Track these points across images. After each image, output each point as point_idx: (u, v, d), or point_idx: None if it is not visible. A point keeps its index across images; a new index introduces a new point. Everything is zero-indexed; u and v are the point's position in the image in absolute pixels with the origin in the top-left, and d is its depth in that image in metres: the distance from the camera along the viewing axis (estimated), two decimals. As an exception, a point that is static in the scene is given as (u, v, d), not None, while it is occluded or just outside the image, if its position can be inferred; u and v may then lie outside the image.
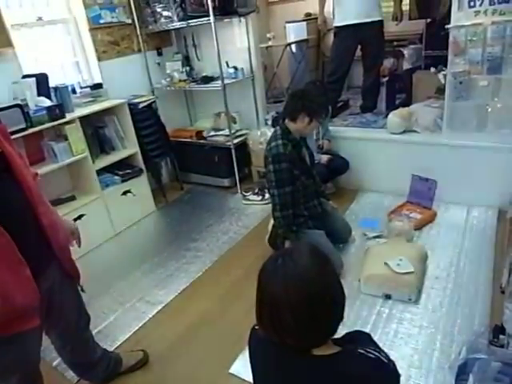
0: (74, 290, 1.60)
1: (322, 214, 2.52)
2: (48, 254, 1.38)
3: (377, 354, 0.93)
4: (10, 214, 1.18)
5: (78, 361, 1.78)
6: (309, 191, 2.44)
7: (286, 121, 2.33)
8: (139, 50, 3.71)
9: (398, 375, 0.98)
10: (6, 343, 1.27)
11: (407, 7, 4.45)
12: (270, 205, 2.46)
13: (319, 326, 0.91)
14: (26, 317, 1.27)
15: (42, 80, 2.79)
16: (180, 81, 3.79)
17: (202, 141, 3.85)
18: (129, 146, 3.40)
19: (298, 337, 0.92)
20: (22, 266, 1.22)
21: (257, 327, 1.06)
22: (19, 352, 1.33)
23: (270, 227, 2.66)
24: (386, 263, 2.20)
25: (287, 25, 5.43)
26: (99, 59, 3.37)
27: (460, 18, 2.57)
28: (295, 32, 5.38)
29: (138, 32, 3.63)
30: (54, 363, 2.03)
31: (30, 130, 2.58)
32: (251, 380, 1.12)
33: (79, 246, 1.63)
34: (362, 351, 0.93)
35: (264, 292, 0.94)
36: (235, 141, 3.66)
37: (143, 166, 3.47)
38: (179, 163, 4.00)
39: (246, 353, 1.13)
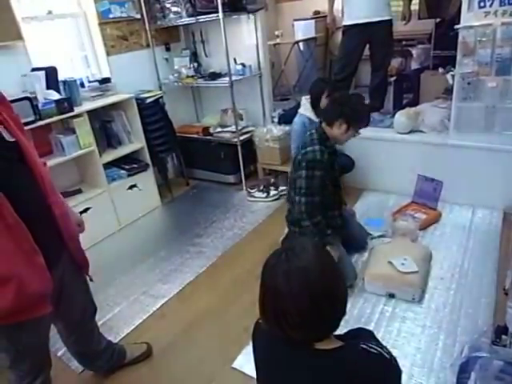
0: (82, 280, 1.62)
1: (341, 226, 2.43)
2: (59, 243, 1.40)
3: (379, 349, 0.94)
4: (24, 204, 1.20)
5: (83, 350, 1.80)
6: (332, 200, 2.34)
7: (323, 125, 2.23)
8: (147, 45, 3.72)
9: (399, 371, 0.98)
10: (20, 329, 1.30)
11: (416, 7, 4.43)
12: (288, 207, 2.39)
13: (322, 320, 0.92)
14: (39, 304, 1.29)
15: (51, 73, 2.81)
16: (187, 77, 3.80)
17: (208, 137, 3.86)
18: (135, 141, 3.41)
19: (301, 331, 0.93)
20: (36, 254, 1.24)
21: (260, 321, 1.07)
22: (31, 338, 1.36)
23: (286, 230, 2.66)
24: (390, 262, 2.20)
25: (295, 22, 5.43)
26: (108, 54, 3.39)
27: (470, 19, 2.56)
28: (303, 30, 5.37)
29: (147, 27, 3.64)
30: (59, 353, 2.05)
31: (39, 123, 2.61)
32: (254, 375, 1.13)
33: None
34: (364, 346, 0.94)
35: (267, 287, 0.95)
36: (241, 137, 3.66)
37: (149, 161, 3.48)
38: (185, 159, 4.01)
39: (249, 348, 1.14)
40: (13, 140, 1.24)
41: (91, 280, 1.65)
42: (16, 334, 1.31)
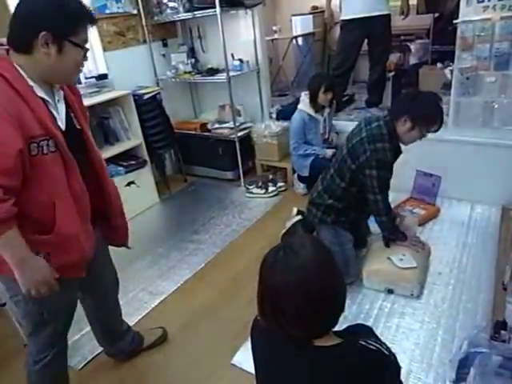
0: (108, 253, 1.73)
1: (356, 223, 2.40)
2: (99, 218, 1.52)
3: (378, 345, 0.94)
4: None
5: (108, 328, 1.85)
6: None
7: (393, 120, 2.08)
8: (144, 41, 3.70)
9: (398, 367, 0.98)
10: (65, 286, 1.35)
11: (415, 1, 4.42)
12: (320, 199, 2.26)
13: (320, 317, 0.92)
14: (81, 266, 1.41)
15: (47, 70, 2.79)
16: (185, 72, 3.78)
17: (206, 133, 3.86)
18: (133, 138, 3.40)
19: (299, 328, 0.93)
20: (89, 222, 1.42)
21: (259, 318, 1.06)
22: (59, 300, 1.41)
23: (288, 224, 2.64)
24: (388, 258, 2.20)
25: (293, 18, 5.41)
26: (104, 49, 3.37)
27: (468, 13, 2.55)
28: (301, 25, 5.36)
29: (144, 23, 3.62)
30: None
31: (36, 120, 2.59)
32: (253, 371, 1.13)
33: None
34: (363, 343, 0.93)
35: (265, 284, 0.95)
36: (239, 133, 3.65)
37: (147, 158, 3.47)
38: (183, 155, 4.00)
39: (248, 344, 1.14)
40: (79, 128, 1.38)
41: (129, 248, 1.77)
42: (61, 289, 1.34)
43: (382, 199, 2.09)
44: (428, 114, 1.99)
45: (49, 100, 1.25)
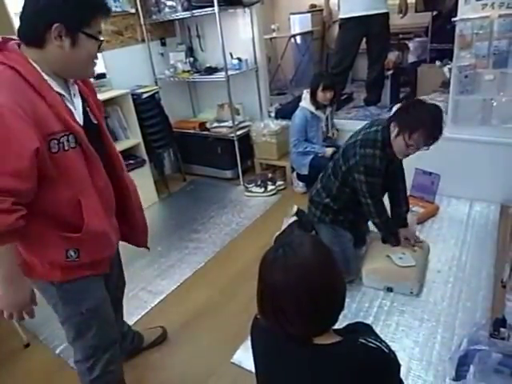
0: (119, 255, 1.69)
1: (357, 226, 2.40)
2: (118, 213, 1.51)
3: (377, 343, 0.94)
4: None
5: None
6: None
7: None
8: (143, 40, 3.69)
9: (398, 365, 0.98)
10: (82, 289, 1.34)
11: (413, 0, 4.42)
12: (316, 196, 2.29)
13: (320, 315, 0.92)
14: (109, 261, 1.43)
15: (45, 69, 2.78)
16: (183, 71, 3.78)
17: (204, 132, 3.85)
18: (132, 137, 3.39)
19: (299, 326, 0.92)
20: (114, 216, 1.43)
21: (258, 317, 1.07)
22: (93, 297, 1.38)
23: (285, 221, 2.64)
24: (388, 256, 2.20)
25: (292, 16, 5.40)
26: (102, 49, 3.35)
27: (467, 11, 2.54)
28: (300, 23, 5.36)
29: (142, 22, 3.61)
30: (58, 350, 2.05)
31: (34, 119, 2.58)
32: (253, 369, 1.13)
33: None
34: (362, 341, 0.93)
35: (265, 282, 0.95)
36: (238, 132, 3.65)
37: (146, 157, 3.47)
38: (182, 154, 3.99)
39: (248, 342, 1.14)
40: (95, 123, 1.35)
41: (148, 249, 1.70)
42: (79, 294, 1.33)
43: (372, 204, 2.09)
44: (412, 121, 1.88)
45: (65, 94, 1.20)
